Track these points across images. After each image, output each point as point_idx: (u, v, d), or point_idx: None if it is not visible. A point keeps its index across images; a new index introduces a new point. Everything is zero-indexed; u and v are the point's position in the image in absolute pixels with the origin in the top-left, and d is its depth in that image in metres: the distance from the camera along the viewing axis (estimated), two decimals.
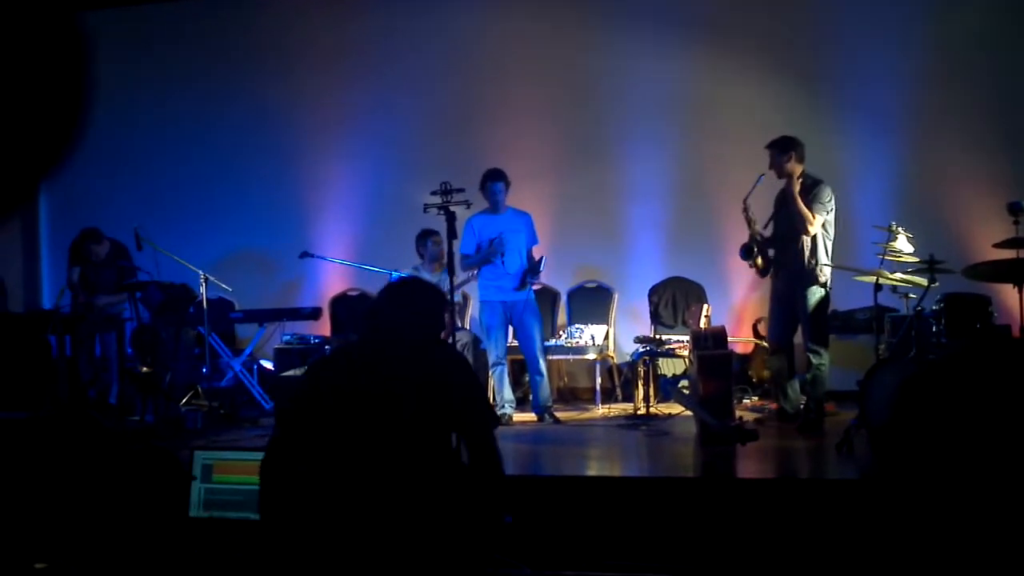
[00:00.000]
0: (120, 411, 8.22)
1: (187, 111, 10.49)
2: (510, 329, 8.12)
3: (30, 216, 11.01)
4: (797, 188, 7.15)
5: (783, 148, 7.26)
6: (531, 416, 7.96)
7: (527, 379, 8.25)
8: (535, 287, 7.98)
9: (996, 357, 6.27)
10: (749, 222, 7.33)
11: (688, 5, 9.41)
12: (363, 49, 10.17)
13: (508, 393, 7.98)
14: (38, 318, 8.68)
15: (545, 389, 7.95)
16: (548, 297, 9.19)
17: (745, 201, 7.30)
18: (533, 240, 8.05)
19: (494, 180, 7.95)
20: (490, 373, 7.98)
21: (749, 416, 7.66)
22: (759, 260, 7.35)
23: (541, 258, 7.94)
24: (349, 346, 4.45)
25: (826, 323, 7.34)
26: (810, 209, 7.08)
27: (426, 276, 8.12)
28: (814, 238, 7.10)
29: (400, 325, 3.74)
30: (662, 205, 9.21)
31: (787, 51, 9.20)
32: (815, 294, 7.14)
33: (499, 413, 7.84)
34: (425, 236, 8.40)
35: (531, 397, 8.06)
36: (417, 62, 9.99)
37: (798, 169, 7.21)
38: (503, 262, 7.91)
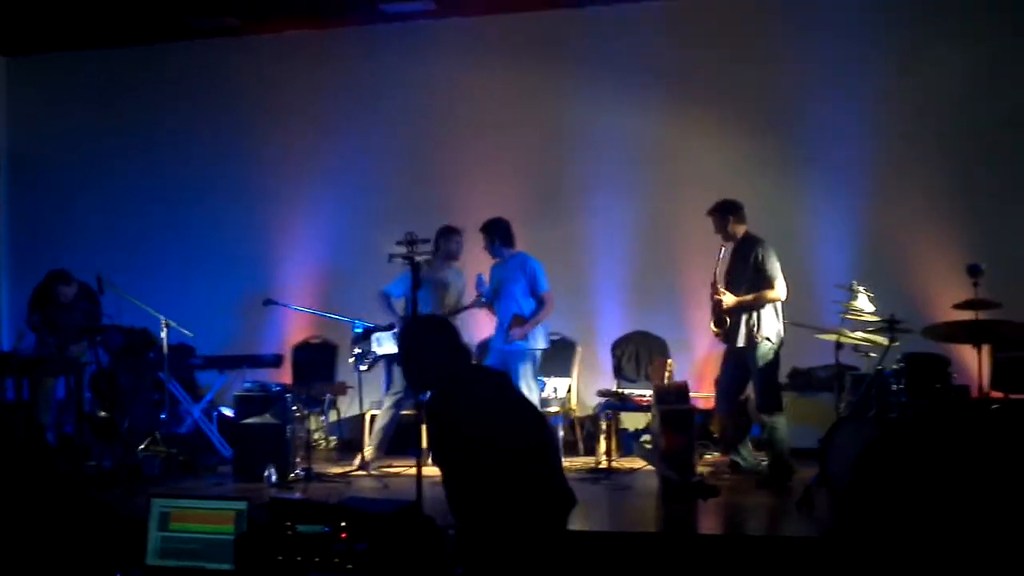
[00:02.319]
0: (77, 455, 8.11)
1: (152, 155, 10.47)
2: None
3: None
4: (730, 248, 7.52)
5: (724, 212, 7.52)
6: None
7: None
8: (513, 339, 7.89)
9: (954, 419, 6.36)
10: (718, 295, 7.42)
11: (652, 62, 9.49)
12: (331, 96, 10.20)
13: None
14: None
15: None
16: None
17: (714, 277, 7.46)
18: (537, 287, 7.94)
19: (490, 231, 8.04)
20: None
21: (709, 471, 7.65)
22: (726, 327, 7.43)
23: (512, 314, 7.88)
24: (463, 384, 4.54)
25: (776, 383, 7.47)
26: (763, 276, 7.26)
27: (436, 272, 8.07)
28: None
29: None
30: (626, 259, 9.26)
31: (750, 107, 9.30)
32: (765, 356, 7.25)
33: None
34: (449, 232, 8.29)
35: None
36: (385, 111, 10.03)
37: (741, 229, 7.50)
38: (497, 309, 7.97)
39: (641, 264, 9.26)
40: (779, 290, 7.30)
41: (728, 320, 7.38)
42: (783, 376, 8.61)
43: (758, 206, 9.07)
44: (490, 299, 7.96)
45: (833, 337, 7.09)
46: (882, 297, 7.26)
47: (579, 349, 9.09)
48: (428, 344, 4.50)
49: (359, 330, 8.18)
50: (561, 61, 9.74)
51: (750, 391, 7.61)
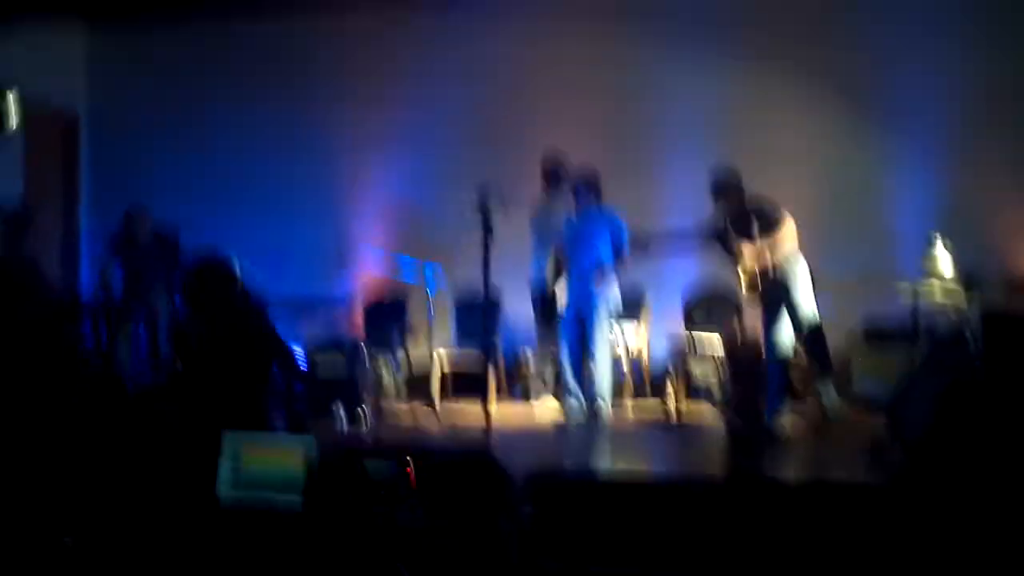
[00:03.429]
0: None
1: (232, 114, 10.54)
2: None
3: (71, 207, 11.11)
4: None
5: (722, 188, 7.67)
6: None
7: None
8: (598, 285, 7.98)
9: None
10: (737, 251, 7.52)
11: (729, 24, 9.33)
12: (401, 48, 10.17)
13: (571, 386, 8.01)
14: (75, 309, 8.72)
15: (600, 385, 7.91)
16: None
17: (730, 242, 7.54)
18: (619, 239, 8.09)
19: (580, 182, 8.16)
20: None
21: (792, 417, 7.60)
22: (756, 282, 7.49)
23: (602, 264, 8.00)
24: None
25: (816, 318, 7.49)
26: (768, 222, 7.38)
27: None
28: None
29: None
30: (698, 210, 9.18)
31: (828, 65, 9.08)
32: (793, 276, 7.39)
33: (559, 406, 7.97)
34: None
35: (587, 388, 8.03)
36: (459, 67, 9.99)
37: (735, 200, 7.59)
38: (577, 259, 8.04)
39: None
40: (790, 226, 7.40)
41: (758, 279, 7.41)
42: (858, 327, 8.54)
43: (834, 161, 9.03)
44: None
45: (910, 289, 6.97)
46: (962, 251, 7.12)
47: (648, 296, 9.03)
48: None
49: (430, 274, 8.21)
50: (634, 23, 9.59)
51: None
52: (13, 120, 5.75)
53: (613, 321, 8.22)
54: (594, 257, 7.98)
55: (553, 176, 8.43)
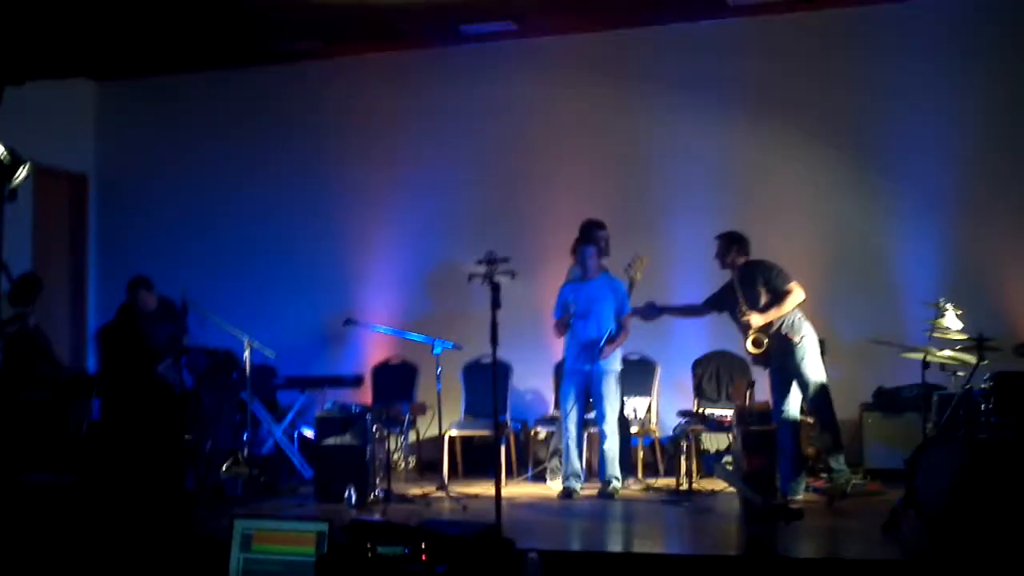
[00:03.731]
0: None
1: (234, 177, 10.64)
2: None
3: (79, 275, 11.16)
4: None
5: (730, 242, 7.74)
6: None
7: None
8: (603, 357, 7.91)
9: None
10: (745, 317, 7.54)
11: (732, 81, 9.39)
12: (411, 117, 10.25)
13: (575, 465, 7.92)
14: (83, 381, 8.71)
15: (611, 464, 7.85)
16: None
17: (738, 303, 7.59)
18: (622, 309, 8.02)
19: (584, 243, 8.06)
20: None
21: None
22: (764, 347, 7.52)
23: (608, 332, 7.91)
24: None
25: (826, 387, 7.53)
26: (774, 288, 7.49)
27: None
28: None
29: None
30: (706, 277, 9.12)
31: (836, 124, 9.16)
32: (806, 352, 7.47)
33: (564, 486, 7.82)
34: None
35: (599, 468, 7.98)
36: (465, 132, 10.07)
37: (741, 260, 7.70)
38: (575, 331, 7.94)
39: (721, 282, 9.15)
40: (798, 293, 7.49)
41: (764, 340, 7.45)
42: (868, 396, 8.50)
43: (842, 225, 9.07)
44: (572, 315, 7.94)
45: (920, 356, 6.93)
46: (970, 315, 7.09)
47: (659, 368, 9.00)
48: None
49: (439, 351, 8.20)
50: (640, 80, 9.68)
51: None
52: (20, 187, 5.83)
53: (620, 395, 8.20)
54: (601, 324, 7.94)
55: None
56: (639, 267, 8.09)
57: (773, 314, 7.46)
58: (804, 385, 7.46)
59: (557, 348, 8.64)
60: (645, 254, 8.29)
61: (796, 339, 7.43)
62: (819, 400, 7.46)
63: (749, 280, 7.59)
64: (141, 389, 8.50)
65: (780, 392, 7.54)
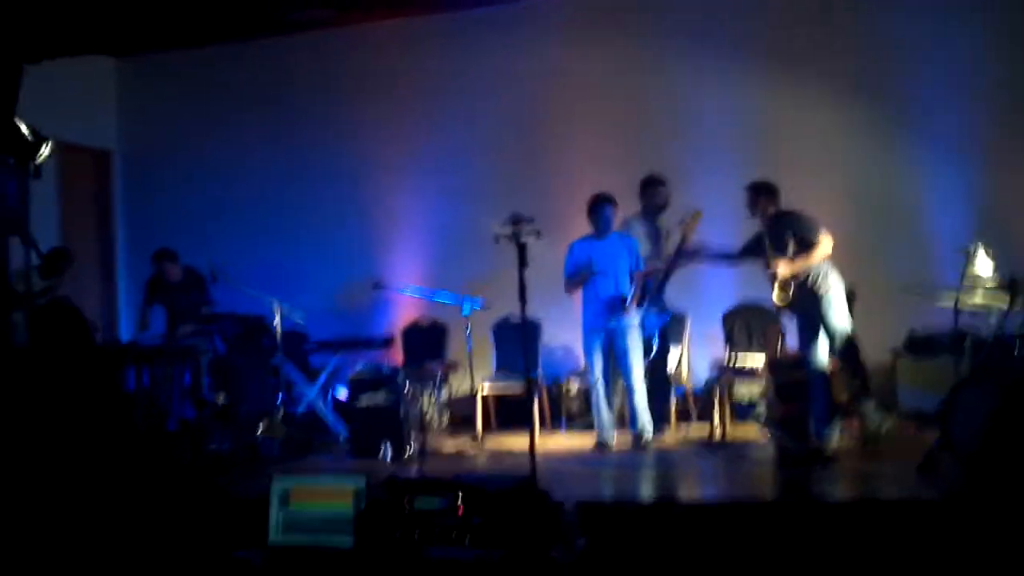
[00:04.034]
0: (198, 440, 8.30)
1: (258, 147, 10.65)
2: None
3: (107, 249, 11.23)
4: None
5: (759, 192, 7.68)
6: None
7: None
8: (628, 313, 7.94)
9: None
10: (772, 268, 7.51)
11: (752, 35, 9.32)
12: (430, 81, 10.22)
13: (606, 419, 7.96)
14: (117, 352, 8.80)
15: (640, 416, 7.89)
16: None
17: (765, 253, 7.56)
18: (636, 265, 8.04)
19: (605, 203, 8.02)
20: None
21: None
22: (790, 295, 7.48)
23: (637, 287, 7.94)
24: None
25: (853, 339, 7.49)
26: (805, 240, 7.42)
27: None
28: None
29: None
30: (734, 230, 9.09)
31: (857, 74, 9.07)
32: (833, 302, 7.42)
33: (598, 438, 7.88)
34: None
35: (629, 420, 8.00)
36: (484, 93, 10.04)
37: (771, 209, 7.64)
38: (596, 289, 7.93)
39: (749, 235, 9.12)
40: (826, 245, 7.41)
41: (791, 290, 7.42)
42: (900, 340, 8.47)
43: (868, 174, 9.01)
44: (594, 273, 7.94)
45: (951, 301, 6.90)
46: (1002, 258, 7.04)
47: (689, 320, 8.99)
48: None
49: (467, 311, 8.22)
50: (658, 35, 9.61)
51: None
52: (44, 164, 5.97)
53: (654, 344, 8.22)
54: (620, 281, 7.97)
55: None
56: (693, 223, 8.03)
57: (801, 264, 7.43)
58: (831, 334, 7.44)
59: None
60: (670, 211, 8.29)
61: (823, 290, 7.39)
62: (846, 349, 7.44)
63: (779, 230, 7.54)
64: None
65: (808, 341, 7.52)
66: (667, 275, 8.19)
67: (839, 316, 7.40)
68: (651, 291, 8.09)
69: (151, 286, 9.38)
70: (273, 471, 6.13)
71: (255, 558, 4.84)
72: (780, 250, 7.49)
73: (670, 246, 8.22)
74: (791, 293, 7.42)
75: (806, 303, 7.45)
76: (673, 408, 8.56)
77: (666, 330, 8.35)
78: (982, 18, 8.81)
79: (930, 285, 7.44)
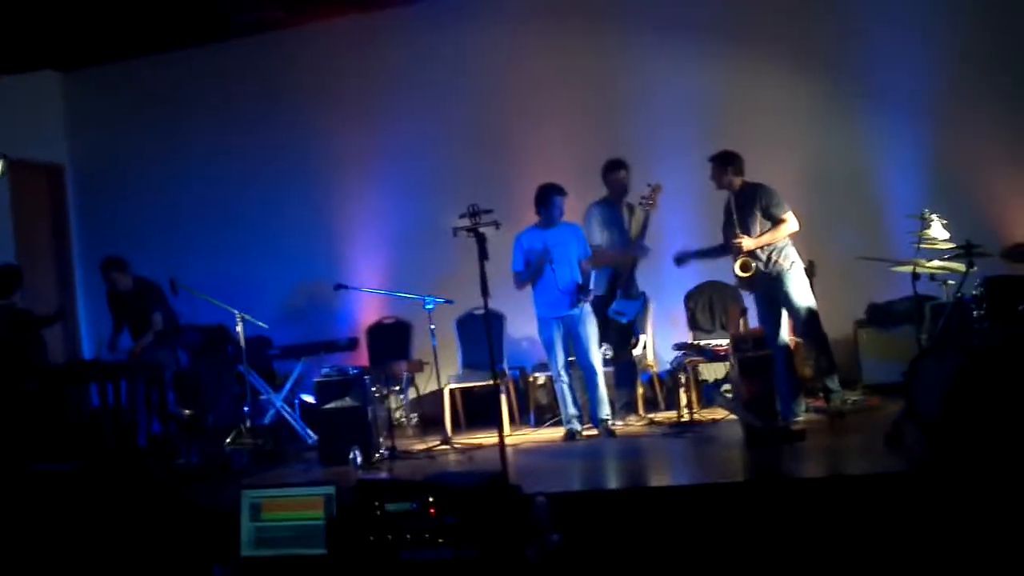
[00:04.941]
0: (167, 454, 8.26)
1: (211, 153, 10.59)
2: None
3: (65, 266, 11.13)
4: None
5: (723, 162, 7.63)
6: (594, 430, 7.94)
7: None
8: (583, 303, 7.94)
9: None
10: (737, 239, 7.49)
11: (711, 10, 9.36)
12: (382, 78, 10.21)
13: (571, 408, 7.96)
14: (80, 370, 8.74)
15: (602, 404, 7.90)
16: None
17: (731, 224, 7.55)
18: (584, 252, 8.02)
19: (559, 194, 7.98)
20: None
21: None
22: (753, 271, 7.48)
23: (589, 275, 7.93)
24: None
25: (816, 312, 7.52)
26: (771, 215, 7.44)
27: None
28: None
29: None
30: (693, 210, 9.14)
31: (810, 47, 9.16)
32: (795, 281, 7.45)
33: (566, 429, 7.85)
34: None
35: (589, 411, 8.01)
36: (436, 87, 10.02)
37: (738, 181, 7.61)
38: (555, 277, 7.90)
39: (708, 214, 9.09)
40: (792, 223, 7.47)
41: (753, 263, 7.43)
42: (861, 312, 8.53)
43: (823, 145, 9.06)
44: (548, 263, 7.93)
45: (909, 268, 6.95)
46: (956, 223, 7.10)
47: (652, 304, 9.02)
48: None
49: (430, 307, 8.20)
50: (613, 21, 9.64)
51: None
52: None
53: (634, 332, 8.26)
54: (574, 270, 7.97)
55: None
56: (654, 196, 8.07)
57: (766, 239, 7.45)
58: (793, 311, 7.49)
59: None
60: (631, 198, 8.31)
61: (785, 267, 7.43)
62: (809, 324, 7.48)
63: (747, 202, 7.54)
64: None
65: (770, 318, 7.56)
66: (635, 261, 8.20)
67: (800, 292, 7.43)
68: (623, 277, 8.10)
69: (108, 299, 9.25)
70: (243, 483, 6.10)
71: (230, 571, 4.82)
72: (745, 223, 7.49)
73: (635, 227, 8.22)
74: (754, 268, 7.43)
75: (767, 280, 7.48)
76: (640, 394, 8.58)
77: (638, 315, 8.35)
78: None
79: (888, 254, 7.50)
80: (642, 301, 8.41)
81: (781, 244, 7.48)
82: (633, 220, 8.30)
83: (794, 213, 7.50)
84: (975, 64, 8.74)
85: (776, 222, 7.45)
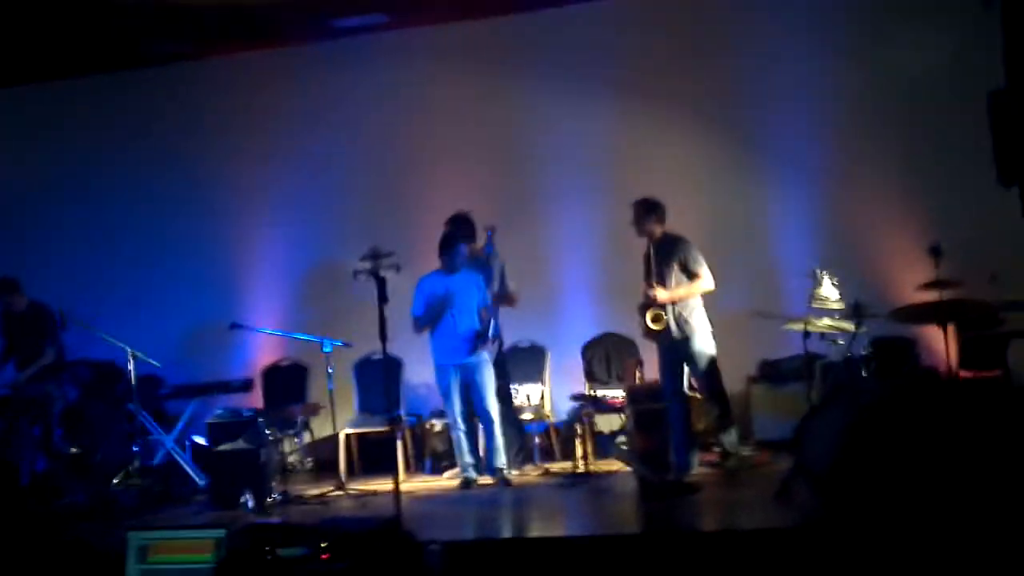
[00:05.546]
0: (50, 493, 8.05)
1: (109, 185, 10.38)
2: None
3: None
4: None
5: (648, 209, 7.62)
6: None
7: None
8: (481, 350, 7.94)
9: (926, 397, 6.39)
10: (652, 291, 7.48)
11: (612, 65, 9.46)
12: (290, 115, 10.13)
13: (468, 456, 7.94)
14: None
15: (499, 453, 7.89)
16: None
17: (647, 275, 7.54)
18: (484, 300, 8.01)
19: (463, 241, 7.99)
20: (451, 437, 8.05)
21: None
22: (664, 323, 7.48)
23: (490, 320, 7.93)
24: None
25: (719, 374, 7.56)
26: (687, 268, 7.45)
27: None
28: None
29: None
30: (591, 262, 9.25)
31: (709, 106, 9.27)
32: (702, 344, 7.44)
33: (462, 477, 7.83)
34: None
35: (486, 459, 7.99)
36: (344, 127, 9.98)
37: (659, 229, 7.60)
38: (455, 323, 7.89)
39: (606, 265, 9.24)
40: (708, 281, 7.48)
41: (664, 316, 7.45)
42: (753, 369, 8.68)
43: (717, 201, 9.21)
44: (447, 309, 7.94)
45: (800, 326, 7.11)
46: (846, 283, 7.29)
47: (549, 354, 9.07)
48: None
49: (328, 350, 8.14)
50: (517, 67, 9.70)
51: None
52: None
53: (514, 383, 8.29)
54: (474, 316, 7.96)
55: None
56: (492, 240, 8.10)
57: (680, 294, 7.44)
58: (696, 371, 7.51)
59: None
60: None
61: (694, 327, 7.43)
62: (711, 379, 7.52)
63: (666, 254, 7.52)
64: None
65: (672, 371, 7.59)
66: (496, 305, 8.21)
67: (707, 348, 7.48)
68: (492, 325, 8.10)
69: (2, 321, 9.01)
70: (130, 524, 5.97)
71: None
72: (662, 274, 7.47)
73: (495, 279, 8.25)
74: (663, 321, 7.46)
75: (676, 334, 7.47)
76: (536, 444, 8.60)
77: (504, 362, 8.37)
78: (830, 42, 9.08)
79: (780, 311, 7.64)
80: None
81: (693, 302, 7.50)
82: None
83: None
84: (867, 127, 8.96)
85: (692, 277, 7.49)
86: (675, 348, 7.54)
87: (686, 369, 7.56)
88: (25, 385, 8.65)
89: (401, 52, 9.93)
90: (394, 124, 9.92)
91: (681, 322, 7.46)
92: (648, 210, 7.61)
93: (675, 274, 7.49)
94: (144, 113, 10.41)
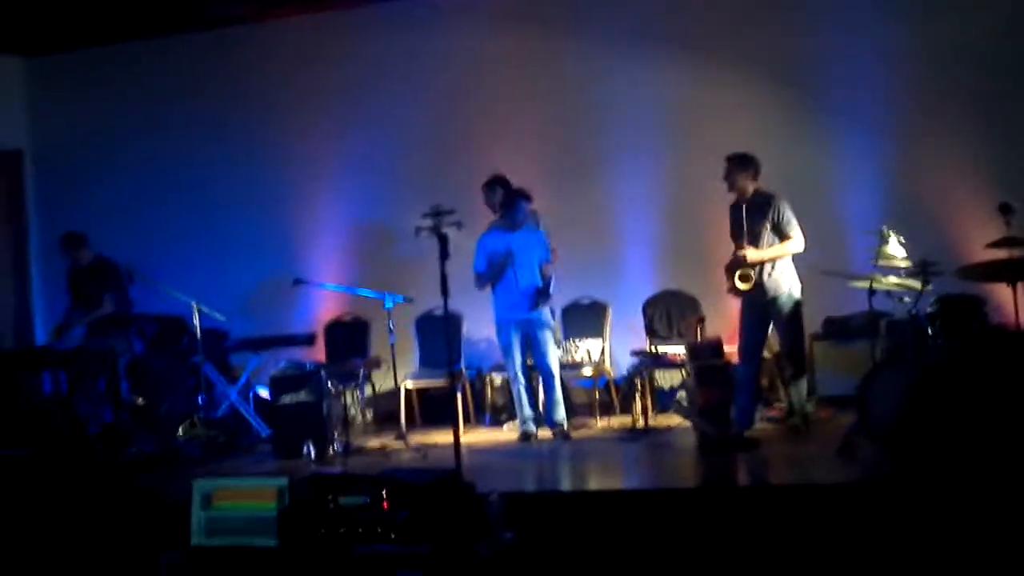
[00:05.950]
0: (118, 443, 8.19)
1: (172, 144, 10.47)
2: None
3: (20, 252, 11.01)
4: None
5: (742, 164, 7.47)
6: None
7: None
8: (541, 307, 7.96)
9: (994, 355, 6.30)
10: (741, 250, 7.38)
11: (675, 21, 9.36)
12: (350, 75, 10.14)
13: (528, 410, 7.99)
14: (32, 356, 8.65)
15: (558, 407, 7.93)
16: None
17: (737, 233, 7.43)
18: (546, 257, 8.03)
19: (524, 199, 8.01)
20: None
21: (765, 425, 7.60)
22: (751, 282, 7.39)
23: (550, 279, 7.94)
24: None
25: (802, 335, 7.57)
26: (781, 229, 7.32)
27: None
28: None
29: None
30: (654, 219, 9.20)
31: (774, 63, 9.15)
32: (790, 305, 7.40)
33: (521, 430, 7.87)
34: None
35: (545, 414, 8.03)
36: (405, 86, 9.97)
37: (751, 186, 7.47)
38: (516, 280, 7.91)
39: (669, 223, 9.18)
40: (799, 242, 7.37)
41: (753, 275, 7.34)
42: (817, 326, 8.60)
43: (783, 158, 9.04)
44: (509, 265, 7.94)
45: (865, 284, 7.01)
46: (913, 240, 7.18)
47: (610, 310, 9.05)
48: None
49: (390, 306, 8.18)
50: (577, 23, 9.62)
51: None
52: None
53: (574, 339, 8.30)
54: (535, 273, 7.98)
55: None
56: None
57: (771, 254, 7.33)
58: (782, 325, 7.43)
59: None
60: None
61: (783, 289, 7.35)
62: (795, 339, 7.46)
63: (758, 211, 7.39)
64: None
65: (753, 330, 7.50)
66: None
67: (794, 307, 7.39)
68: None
69: (69, 276, 9.20)
70: (195, 473, 6.07)
71: (179, 560, 4.80)
72: (753, 233, 7.38)
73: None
74: (752, 280, 7.35)
75: (765, 294, 7.38)
76: (596, 399, 8.61)
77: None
78: (900, 8, 8.92)
79: (845, 269, 7.56)
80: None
81: (782, 262, 7.39)
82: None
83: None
84: (936, 83, 8.80)
85: (783, 238, 7.38)
86: (762, 309, 7.43)
87: (764, 326, 7.47)
88: (90, 339, 8.82)
89: (460, 12, 9.87)
90: (453, 84, 9.89)
91: (770, 282, 7.35)
92: (742, 165, 7.46)
93: (767, 233, 7.36)
94: (206, 75, 10.46)
